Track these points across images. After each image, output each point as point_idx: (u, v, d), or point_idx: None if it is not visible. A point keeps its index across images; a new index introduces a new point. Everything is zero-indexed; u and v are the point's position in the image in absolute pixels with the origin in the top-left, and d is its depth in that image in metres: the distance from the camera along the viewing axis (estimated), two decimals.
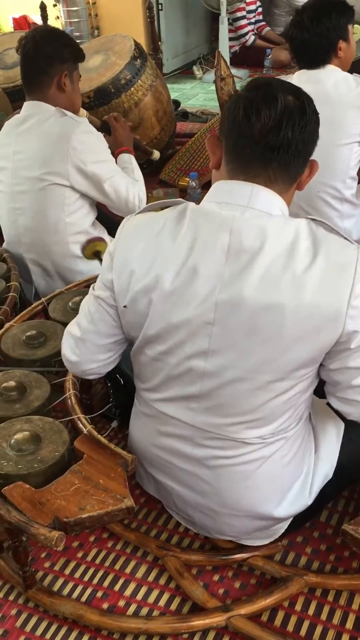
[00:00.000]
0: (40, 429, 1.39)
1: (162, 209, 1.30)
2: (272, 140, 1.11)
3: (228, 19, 5.49)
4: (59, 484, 1.26)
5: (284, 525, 1.38)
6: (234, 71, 5.16)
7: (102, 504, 1.22)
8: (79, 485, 1.26)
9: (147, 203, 2.81)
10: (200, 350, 1.19)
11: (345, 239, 1.16)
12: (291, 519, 1.38)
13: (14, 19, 5.53)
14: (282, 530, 1.39)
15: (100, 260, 1.89)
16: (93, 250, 1.89)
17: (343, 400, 1.23)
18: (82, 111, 2.36)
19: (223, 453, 1.27)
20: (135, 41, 3.27)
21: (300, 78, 2.22)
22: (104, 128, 2.35)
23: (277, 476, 1.30)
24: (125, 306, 1.25)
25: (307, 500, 1.35)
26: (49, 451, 1.33)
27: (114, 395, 1.78)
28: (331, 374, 1.20)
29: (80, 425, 1.43)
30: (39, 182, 2.12)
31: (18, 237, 2.26)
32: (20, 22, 5.42)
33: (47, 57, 2.11)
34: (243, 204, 1.15)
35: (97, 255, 1.90)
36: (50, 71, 2.12)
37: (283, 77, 2.19)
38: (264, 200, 1.15)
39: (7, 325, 1.81)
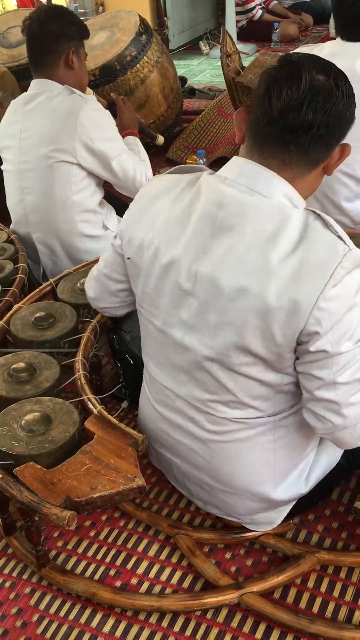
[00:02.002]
0: (50, 409, 1.39)
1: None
2: (291, 121, 1.07)
3: None
4: (70, 464, 1.26)
5: (285, 509, 1.38)
6: (240, 46, 5.10)
7: (113, 483, 1.22)
8: (90, 465, 1.26)
9: None
10: (180, 320, 1.22)
11: (341, 240, 1.08)
12: (289, 507, 1.38)
13: None
14: (284, 515, 1.38)
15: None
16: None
17: (310, 412, 1.17)
18: (89, 90, 2.33)
19: (211, 427, 1.28)
20: (140, 17, 3.21)
21: (333, 49, 2.04)
22: (111, 110, 2.32)
23: (266, 459, 1.28)
24: (128, 258, 1.31)
25: (301, 489, 1.35)
26: (60, 432, 1.33)
27: (123, 376, 1.78)
28: (299, 377, 1.16)
29: (91, 406, 1.43)
30: (46, 160, 2.10)
31: (25, 216, 2.25)
32: (24, 0, 5.33)
33: (53, 35, 2.09)
34: (243, 184, 1.14)
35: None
36: (58, 49, 2.10)
37: (309, 47, 2.10)
38: (265, 181, 1.12)
39: (15, 306, 1.80)
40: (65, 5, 5.31)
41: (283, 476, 1.31)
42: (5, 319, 1.75)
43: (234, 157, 1.19)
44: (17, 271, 2.05)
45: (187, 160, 3.38)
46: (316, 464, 1.37)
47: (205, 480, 1.35)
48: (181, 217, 1.19)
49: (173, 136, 3.57)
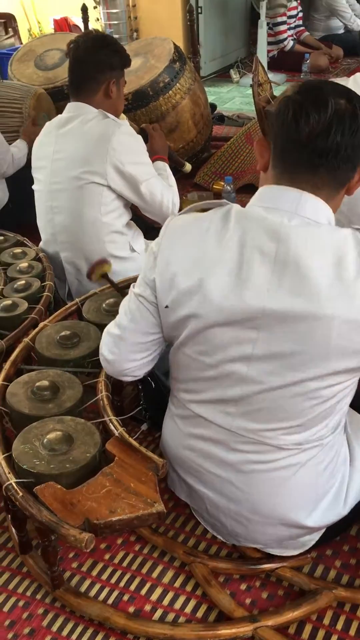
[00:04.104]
0: (72, 429, 1.40)
1: (203, 210, 1.30)
2: (321, 145, 1.09)
3: (268, 24, 5.48)
4: (90, 485, 1.26)
5: (316, 537, 1.36)
6: (271, 76, 5.15)
7: (133, 507, 1.21)
8: (110, 488, 1.26)
9: (180, 207, 2.83)
10: (244, 355, 1.18)
11: None
12: (323, 530, 1.36)
13: (55, 20, 5.59)
14: (314, 542, 1.37)
15: (110, 281, 1.93)
16: (100, 273, 1.90)
17: None
18: (123, 116, 2.38)
19: (257, 457, 1.26)
20: (174, 44, 3.28)
21: (357, 80, 2.07)
22: (141, 136, 2.37)
23: (311, 484, 1.28)
24: (167, 306, 1.24)
25: (341, 510, 1.33)
26: (81, 452, 1.34)
27: (144, 398, 1.78)
28: None
29: (112, 428, 1.43)
30: (77, 181, 2.14)
31: (54, 235, 2.29)
32: (61, 24, 5.47)
33: (97, 64, 2.14)
34: (290, 210, 1.14)
35: (105, 277, 1.92)
36: (99, 77, 2.16)
37: (338, 80, 2.13)
38: (312, 207, 1.14)
39: (41, 324, 1.82)
40: (100, 30, 5.44)
41: (322, 499, 1.30)
42: (30, 336, 1.76)
43: (267, 186, 1.19)
44: (44, 289, 2.07)
45: (214, 186, 3.41)
46: (351, 484, 1.35)
47: (242, 513, 1.32)
48: (229, 256, 1.15)
49: (201, 161, 3.61)
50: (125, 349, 1.36)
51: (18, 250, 2.30)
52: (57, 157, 2.19)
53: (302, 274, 1.10)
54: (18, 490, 1.26)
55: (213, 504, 1.38)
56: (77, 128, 2.16)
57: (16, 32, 5.83)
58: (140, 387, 1.78)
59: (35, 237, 2.40)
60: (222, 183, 3.29)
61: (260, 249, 1.13)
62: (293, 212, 1.13)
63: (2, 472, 1.31)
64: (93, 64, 2.15)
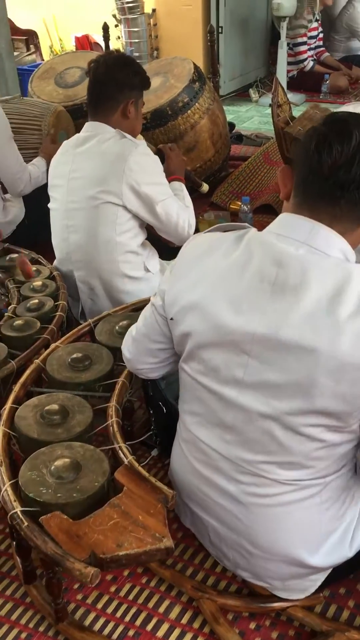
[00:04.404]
0: (80, 456, 1.37)
1: (226, 231, 1.30)
2: (342, 178, 1.08)
3: (288, 44, 5.48)
4: (97, 517, 1.23)
5: (321, 578, 1.31)
6: (290, 96, 5.15)
7: (140, 542, 1.18)
8: (118, 520, 1.22)
9: (197, 226, 2.81)
10: (234, 379, 1.18)
11: None
12: (329, 570, 1.31)
13: (76, 38, 5.65)
14: (318, 584, 1.31)
15: None
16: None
17: None
18: (140, 136, 2.37)
19: (256, 490, 1.23)
20: (194, 64, 3.28)
21: None
22: (158, 156, 2.36)
23: (313, 522, 1.24)
24: (172, 318, 1.28)
25: (347, 552, 1.28)
26: (89, 481, 1.30)
27: (155, 423, 1.75)
28: None
29: (122, 455, 1.40)
30: (93, 200, 2.13)
31: (69, 254, 2.27)
32: (82, 42, 5.52)
33: (117, 84, 2.14)
34: (300, 240, 1.12)
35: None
36: (118, 97, 2.15)
37: (357, 104, 2.11)
38: (324, 239, 1.12)
39: (53, 345, 1.80)
40: (122, 50, 5.48)
41: (327, 539, 1.26)
42: (41, 357, 1.74)
43: (285, 214, 1.18)
44: (57, 309, 2.05)
45: (231, 206, 3.39)
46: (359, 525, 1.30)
47: (243, 545, 1.29)
48: (231, 276, 1.16)
49: (218, 180, 3.59)
50: (138, 351, 1.45)
51: (33, 268, 2.28)
52: (74, 176, 2.19)
53: (296, 303, 1.08)
54: (23, 519, 1.23)
55: (216, 533, 1.35)
56: (95, 147, 2.16)
57: (38, 49, 5.90)
58: (151, 411, 1.75)
59: (50, 255, 2.39)
60: (239, 203, 3.26)
61: (261, 273, 1.13)
62: (302, 242, 1.12)
63: (8, 499, 1.28)
64: (112, 83, 2.15)
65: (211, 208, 3.47)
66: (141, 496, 1.28)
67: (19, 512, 1.25)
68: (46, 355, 1.75)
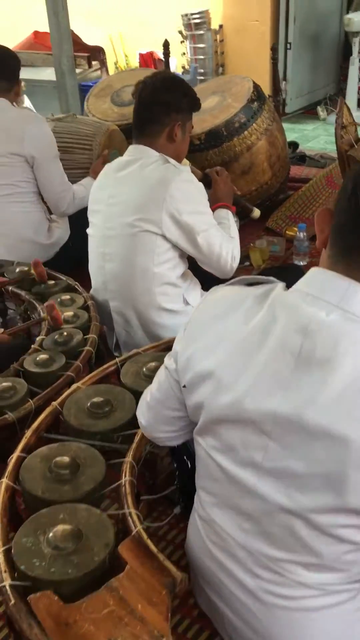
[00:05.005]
0: (84, 523, 1.22)
1: (251, 284, 1.15)
2: None
3: None
4: (91, 602, 1.08)
5: None
6: (358, 115, 4.90)
7: (136, 639, 1.02)
8: (113, 608, 1.07)
9: (247, 254, 2.64)
10: (252, 462, 1.00)
11: None
12: None
13: (141, 55, 5.61)
14: None
15: None
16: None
17: None
18: (185, 161, 2.25)
19: (277, 590, 1.05)
20: (254, 83, 3.12)
21: None
22: (205, 181, 2.22)
23: (345, 633, 1.05)
24: (184, 386, 1.11)
25: None
26: (88, 555, 1.16)
27: (179, 478, 1.59)
28: None
29: (130, 523, 1.25)
30: (130, 228, 2.01)
31: (105, 283, 2.16)
32: (147, 58, 5.48)
33: (163, 106, 2.04)
34: (333, 302, 0.94)
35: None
36: (164, 120, 2.04)
37: None
38: None
39: (74, 386, 1.67)
40: (186, 66, 5.40)
41: None
42: (60, 399, 1.62)
43: (315, 269, 1.01)
44: (85, 343, 1.93)
45: (287, 232, 3.21)
46: None
47: None
48: (250, 343, 0.99)
49: (276, 204, 3.41)
50: (154, 418, 1.30)
51: (67, 296, 2.18)
52: (112, 201, 2.08)
53: (325, 381, 0.90)
54: (11, 596, 1.10)
55: (232, 625, 1.17)
56: (136, 172, 2.04)
57: (104, 65, 5.90)
58: (175, 465, 1.60)
59: (90, 282, 2.28)
60: (296, 229, 3.08)
61: (284, 342, 0.95)
62: (335, 305, 0.93)
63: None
64: (158, 105, 2.04)
65: (266, 233, 3.29)
66: (145, 578, 1.12)
67: (7, 586, 1.12)
68: (65, 397, 1.63)
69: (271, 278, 1.12)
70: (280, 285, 1.05)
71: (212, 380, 1.03)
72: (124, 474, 1.38)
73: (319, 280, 0.98)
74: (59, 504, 1.28)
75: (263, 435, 0.98)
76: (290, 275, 1.61)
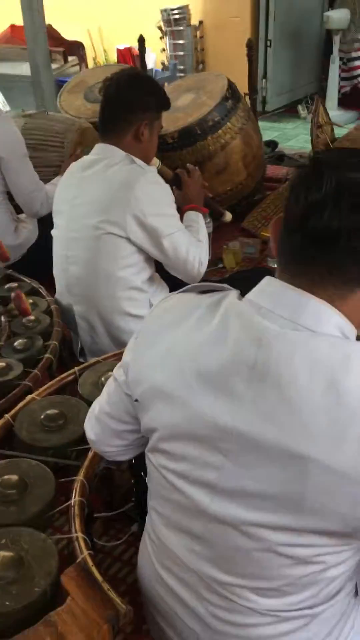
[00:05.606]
0: (26, 549, 1.15)
1: (204, 292, 1.08)
2: (312, 230, 0.86)
3: (342, 59, 5.21)
4: (26, 638, 1.01)
5: None
6: (339, 114, 4.88)
7: None
8: None
9: (219, 257, 2.57)
10: (205, 482, 0.94)
11: None
12: None
13: (118, 50, 5.52)
14: None
15: None
16: None
17: None
18: (155, 160, 2.17)
19: (228, 617, 0.99)
20: (229, 81, 3.06)
21: None
22: (176, 181, 2.14)
23: None
24: (136, 400, 1.05)
25: None
26: (29, 586, 1.08)
27: (136, 494, 1.52)
28: None
29: (77, 548, 1.17)
30: (94, 230, 1.94)
31: (68, 287, 2.08)
32: (125, 54, 5.39)
33: (129, 104, 1.96)
34: (285, 317, 0.88)
35: None
36: (130, 119, 1.97)
37: None
38: (313, 314, 0.87)
39: (28, 397, 1.59)
40: (165, 63, 5.32)
41: None
42: (12, 412, 1.54)
43: (267, 279, 0.94)
44: (46, 350, 1.85)
45: (262, 233, 3.14)
46: None
47: None
48: (203, 355, 0.93)
49: (252, 205, 3.35)
50: (101, 431, 1.22)
51: (29, 300, 2.10)
52: (76, 202, 2.00)
53: (282, 395, 0.84)
54: None
55: None
56: (100, 172, 1.97)
57: (83, 60, 5.80)
58: (133, 482, 1.53)
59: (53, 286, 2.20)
60: None
61: (238, 354, 0.89)
62: (289, 319, 0.88)
63: None
64: (124, 103, 1.97)
65: (242, 234, 3.22)
66: (85, 611, 1.05)
67: None
68: (19, 409, 1.55)
69: (225, 285, 1.05)
70: (233, 293, 0.99)
71: (163, 394, 0.96)
72: (74, 494, 1.30)
73: (270, 292, 0.92)
74: (2, 528, 1.20)
75: (218, 453, 0.91)
76: (261, 278, 1.55)
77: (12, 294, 2.01)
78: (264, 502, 0.88)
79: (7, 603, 1.05)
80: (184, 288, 1.13)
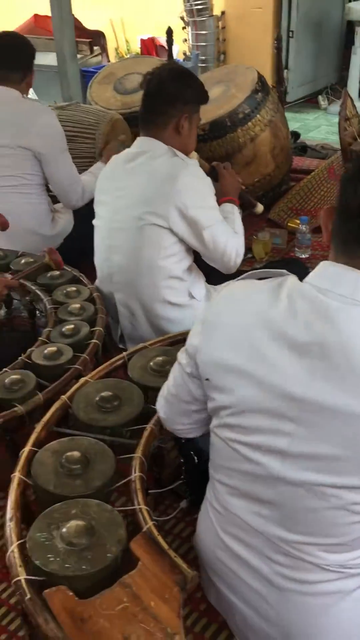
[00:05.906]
0: (96, 519, 1.24)
1: (261, 279, 1.16)
2: None
3: None
4: (105, 598, 1.10)
5: None
6: None
7: (150, 636, 1.04)
8: (127, 605, 1.08)
9: (248, 247, 2.64)
10: (277, 449, 1.03)
11: None
12: None
13: (142, 40, 5.55)
14: None
15: None
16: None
17: None
18: (194, 154, 2.24)
19: (293, 574, 1.07)
20: (258, 73, 3.11)
21: None
22: (212, 174, 2.21)
23: None
24: (207, 379, 1.13)
25: None
26: (101, 552, 1.17)
27: (186, 473, 1.61)
28: None
29: (141, 519, 1.27)
30: (138, 221, 2.01)
31: (110, 275, 2.16)
32: (148, 44, 5.42)
33: (170, 97, 2.03)
34: (346, 294, 0.98)
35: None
36: (171, 112, 2.03)
37: None
38: None
39: (82, 380, 1.68)
40: (187, 53, 5.35)
41: None
42: (68, 393, 1.62)
43: (322, 264, 1.04)
44: (92, 335, 1.94)
45: (289, 224, 3.21)
46: None
47: (273, 636, 1.13)
48: (273, 333, 1.02)
49: (278, 196, 3.41)
50: (172, 412, 1.32)
51: (72, 288, 2.18)
52: (120, 194, 2.07)
53: (351, 365, 0.94)
54: (27, 590, 1.12)
55: (242, 618, 1.19)
56: (144, 165, 2.04)
57: (105, 50, 5.84)
58: (182, 460, 1.61)
59: (94, 272, 2.27)
60: (298, 222, 3.08)
61: (309, 329, 0.98)
62: (348, 297, 0.97)
63: (14, 563, 1.17)
64: (165, 96, 2.03)
65: (268, 225, 3.29)
66: (156, 575, 1.14)
67: (22, 581, 1.13)
68: (74, 391, 1.64)
69: (283, 271, 1.13)
70: (292, 276, 1.08)
71: (237, 372, 1.05)
72: (134, 470, 1.39)
73: (329, 273, 1.01)
74: (71, 499, 1.29)
75: (289, 422, 1.00)
76: (292, 268, 1.63)
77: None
78: (336, 464, 0.97)
79: (84, 567, 1.14)
80: (242, 276, 1.21)
